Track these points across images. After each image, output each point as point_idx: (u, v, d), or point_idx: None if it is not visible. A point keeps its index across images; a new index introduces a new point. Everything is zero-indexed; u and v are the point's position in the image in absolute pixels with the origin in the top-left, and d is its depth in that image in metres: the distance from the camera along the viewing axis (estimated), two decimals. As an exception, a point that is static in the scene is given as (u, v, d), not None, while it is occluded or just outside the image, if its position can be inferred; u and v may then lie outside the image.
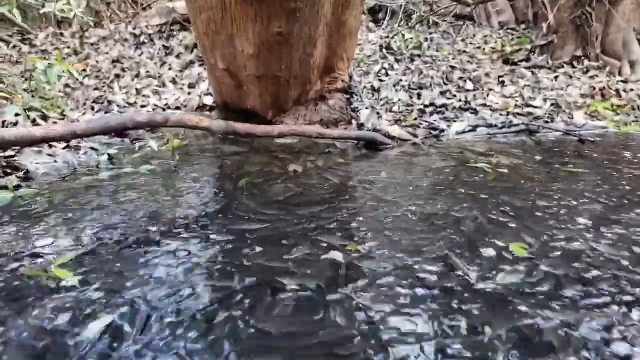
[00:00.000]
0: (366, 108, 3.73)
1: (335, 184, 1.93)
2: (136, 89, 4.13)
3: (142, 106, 3.77)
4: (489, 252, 1.27)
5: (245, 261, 1.23)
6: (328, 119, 3.14)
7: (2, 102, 3.19)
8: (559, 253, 1.27)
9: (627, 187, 1.80)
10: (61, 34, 5.88)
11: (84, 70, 4.66)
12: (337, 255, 1.27)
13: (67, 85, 4.14)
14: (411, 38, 5.51)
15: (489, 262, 1.22)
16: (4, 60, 4.69)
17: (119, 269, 1.19)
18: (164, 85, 4.45)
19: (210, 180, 1.98)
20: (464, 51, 5.36)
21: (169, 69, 4.88)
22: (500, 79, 4.17)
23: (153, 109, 3.73)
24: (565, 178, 1.93)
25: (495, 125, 3.05)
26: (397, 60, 5.11)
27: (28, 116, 2.93)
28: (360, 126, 3.17)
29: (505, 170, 2.04)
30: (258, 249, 1.30)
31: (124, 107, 3.66)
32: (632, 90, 3.69)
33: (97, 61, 5.01)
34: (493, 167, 2.08)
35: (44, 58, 4.56)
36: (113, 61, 5.01)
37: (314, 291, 1.09)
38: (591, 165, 2.16)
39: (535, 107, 3.52)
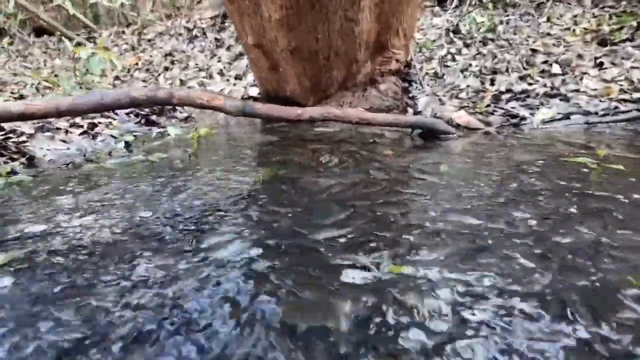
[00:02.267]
0: (426, 95, 3.21)
1: (377, 181, 1.48)
2: (180, 79, 3.99)
3: (184, 97, 3.60)
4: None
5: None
6: (379, 107, 2.68)
7: (46, 91, 3.16)
8: None
9: None
10: (123, 32, 6.04)
11: (137, 64, 4.66)
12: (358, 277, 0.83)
13: (117, 78, 4.11)
14: (483, 21, 4.83)
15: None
16: (65, 55, 4.85)
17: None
18: (211, 77, 4.28)
19: (222, 173, 1.64)
20: (549, 34, 4.57)
21: (218, 61, 4.72)
22: (598, 61, 3.39)
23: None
24: None
25: (595, 113, 2.37)
26: (466, 45, 4.48)
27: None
28: (416, 114, 2.66)
29: (620, 167, 1.44)
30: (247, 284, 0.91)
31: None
32: None
33: (151, 55, 5.01)
34: (600, 163, 1.49)
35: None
36: (165, 55, 4.98)
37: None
38: None
39: (649, 91, 2.75)
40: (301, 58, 2.19)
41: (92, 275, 0.87)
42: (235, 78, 4.20)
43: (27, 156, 1.77)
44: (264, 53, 2.30)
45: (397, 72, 2.74)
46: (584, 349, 0.63)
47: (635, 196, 1.21)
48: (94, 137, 2.14)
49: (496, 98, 2.88)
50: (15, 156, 1.84)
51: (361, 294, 0.79)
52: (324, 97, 2.59)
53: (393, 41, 2.58)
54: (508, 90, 3.10)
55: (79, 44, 5.47)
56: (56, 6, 6.76)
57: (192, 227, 1.11)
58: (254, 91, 3.88)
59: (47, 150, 1.92)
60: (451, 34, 4.63)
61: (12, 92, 3.17)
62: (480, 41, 4.44)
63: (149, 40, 5.55)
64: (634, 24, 4.13)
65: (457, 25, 4.69)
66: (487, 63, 3.85)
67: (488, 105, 2.67)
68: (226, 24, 5.49)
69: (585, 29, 4.60)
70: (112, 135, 2.19)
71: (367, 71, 2.67)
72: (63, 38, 5.51)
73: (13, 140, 1.93)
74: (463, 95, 3.11)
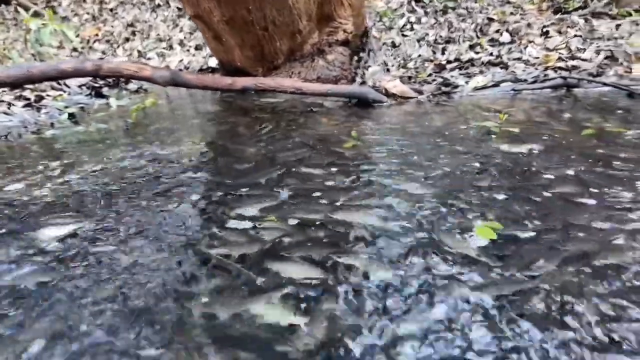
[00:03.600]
0: (378, 65, 3.29)
1: (297, 146, 1.59)
2: (138, 51, 3.97)
3: (141, 68, 3.60)
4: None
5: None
6: (327, 77, 2.76)
7: (-3, 64, 3.14)
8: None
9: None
10: (84, 0, 5.86)
11: (96, 35, 4.58)
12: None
13: (74, 50, 4.06)
14: (446, -11, 4.84)
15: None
16: (23, 26, 4.72)
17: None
18: (171, 47, 4.26)
19: (158, 144, 1.73)
20: (508, 2, 4.62)
21: (180, 31, 4.67)
22: (545, 30, 3.50)
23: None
24: (589, 141, 1.44)
25: (525, 81, 2.50)
26: (426, 14, 4.51)
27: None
28: (362, 84, 2.76)
29: (516, 130, 1.58)
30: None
31: (121, 69, 3.51)
32: None
33: (112, 26, 4.92)
34: (500, 127, 1.63)
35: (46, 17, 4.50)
36: (127, 25, 4.89)
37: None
38: (632, 121, 1.62)
39: (584, 59, 2.88)
40: (238, 29, 2.24)
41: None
42: (196, 48, 4.20)
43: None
44: (205, 24, 2.35)
45: (346, 43, 2.81)
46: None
47: (503, 148, 1.35)
48: (39, 109, 2.19)
49: (441, 67, 2.99)
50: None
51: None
52: (272, 67, 2.66)
53: (338, 12, 2.64)
54: (456, 59, 3.20)
55: (36, 14, 5.31)
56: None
57: (116, 189, 1.22)
58: (214, 62, 3.90)
59: (-11, 122, 1.97)
60: (413, 3, 4.65)
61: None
62: (440, 10, 4.49)
63: (111, 10, 5.41)
64: (587, -8, 4.21)
65: (419, -7, 4.69)
66: (443, 32, 3.92)
67: (429, 75, 2.78)
68: (189, -7, 5.38)
69: (543, -3, 4.66)
70: (57, 108, 2.24)
71: (315, 42, 2.73)
72: (18, 8, 5.34)
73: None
74: (411, 64, 3.20)
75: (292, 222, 0.99)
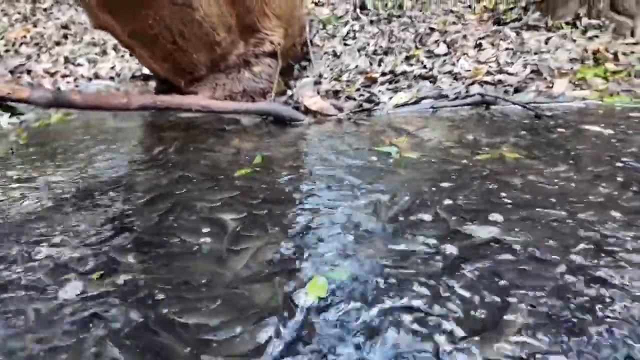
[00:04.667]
0: (312, 77, 3.23)
1: (196, 175, 1.50)
2: (66, 57, 3.74)
3: (64, 76, 3.40)
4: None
5: None
6: (253, 89, 2.68)
7: None
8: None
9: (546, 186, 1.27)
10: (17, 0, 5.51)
11: (24, 37, 4.30)
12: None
13: (-5, 54, 3.79)
14: (393, -4, 4.86)
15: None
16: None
17: None
18: (105, 53, 4.05)
19: (38, 169, 1.59)
20: (451, 11, 4.69)
21: (117, 34, 4.46)
22: (479, 42, 3.54)
23: (75, 80, 3.35)
24: (476, 166, 1.43)
25: (447, 97, 2.50)
26: (371, 22, 4.51)
27: None
28: (290, 97, 2.69)
29: (413, 156, 1.55)
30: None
31: (42, 77, 3.29)
32: (633, 53, 3.02)
33: (44, 27, 4.64)
34: (401, 152, 1.60)
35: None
36: (62, 27, 4.63)
37: None
38: (531, 146, 1.62)
39: (510, 74, 2.93)
40: (144, 42, 2.12)
41: None
42: (130, 55, 4.01)
43: None
44: (114, 35, 2.21)
45: (273, 54, 2.73)
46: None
47: (402, 175, 1.31)
48: None
49: (372, 80, 2.96)
50: None
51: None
52: (193, 79, 2.55)
53: (262, 23, 2.55)
54: (391, 72, 3.18)
55: (-40, 13, 4.95)
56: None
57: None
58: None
59: None
60: (358, 10, 4.63)
61: None
62: (385, 18, 4.49)
63: (45, 10, 5.12)
64: (524, 4, 4.32)
65: (364, 0, 4.69)
66: (384, 42, 3.92)
67: (357, 89, 2.74)
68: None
69: (484, 7, 4.75)
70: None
71: (240, 52, 2.64)
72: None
73: None
74: (344, 77, 3.16)
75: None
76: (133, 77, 3.58)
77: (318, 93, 2.56)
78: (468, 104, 2.33)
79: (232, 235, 1.07)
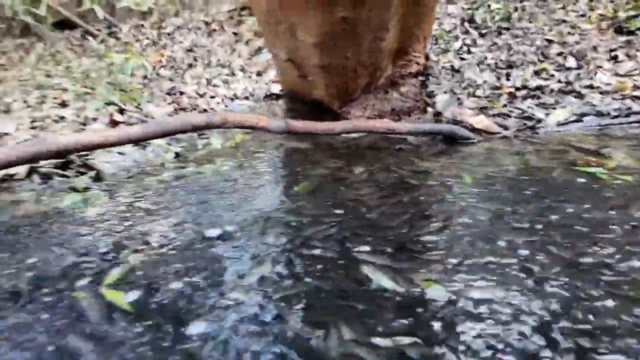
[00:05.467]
0: (444, 92, 3.34)
1: (407, 190, 1.68)
2: (206, 79, 4.16)
3: (212, 97, 3.78)
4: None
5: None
6: (400, 109, 2.84)
7: (86, 97, 3.38)
8: None
9: None
10: (142, 25, 6.17)
11: (160, 61, 4.83)
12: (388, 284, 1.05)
13: (145, 77, 4.29)
14: (499, 8, 4.86)
15: None
16: (94, 55, 5.02)
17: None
18: (233, 74, 4.44)
19: (270, 184, 1.85)
20: (564, 21, 4.60)
21: (239, 56, 4.86)
22: (612, 54, 3.47)
23: (222, 100, 3.72)
24: None
25: (608, 114, 2.50)
26: (481, 35, 4.55)
27: (107, 110, 3.07)
28: (437, 115, 2.82)
29: (629, 179, 1.61)
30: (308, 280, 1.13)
31: (195, 98, 3.70)
32: None
33: (172, 51, 5.16)
34: (609, 174, 1.67)
35: (120, 51, 4.78)
36: (187, 50, 5.13)
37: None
38: None
39: (662, 87, 2.85)
40: (330, 72, 2.36)
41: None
42: (257, 74, 4.36)
43: (95, 170, 2.00)
44: (295, 65, 2.48)
45: (417, 74, 2.88)
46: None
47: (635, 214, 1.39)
48: (144, 147, 2.36)
49: (512, 96, 3.02)
50: (82, 170, 2.07)
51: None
52: (348, 100, 2.76)
53: (414, 46, 2.72)
54: (523, 87, 3.22)
55: (102, 41, 5.64)
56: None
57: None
58: (277, 88, 4.05)
59: (107, 163, 2.15)
60: (466, 24, 4.69)
61: (54, 98, 3.39)
62: (495, 31, 4.51)
63: (169, 34, 5.69)
64: (650, 11, 4.15)
65: (472, 14, 4.74)
66: (503, 56, 3.94)
67: (504, 105, 2.81)
68: (243, 18, 5.59)
69: (600, 15, 4.61)
70: (159, 145, 2.40)
71: (389, 74, 2.82)
72: (88, 36, 5.69)
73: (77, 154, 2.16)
74: (480, 92, 3.24)
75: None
76: (265, 96, 3.90)
77: (480, 111, 2.67)
78: (637, 122, 2.32)
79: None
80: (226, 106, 3.58)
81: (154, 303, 1.06)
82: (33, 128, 2.77)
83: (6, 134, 2.52)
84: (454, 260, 1.15)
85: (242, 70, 4.47)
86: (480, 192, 1.62)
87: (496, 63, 3.82)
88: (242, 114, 2.04)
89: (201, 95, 3.78)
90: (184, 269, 1.19)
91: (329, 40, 2.12)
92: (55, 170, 2.02)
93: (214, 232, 1.35)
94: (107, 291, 1.10)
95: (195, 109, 3.39)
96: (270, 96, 3.95)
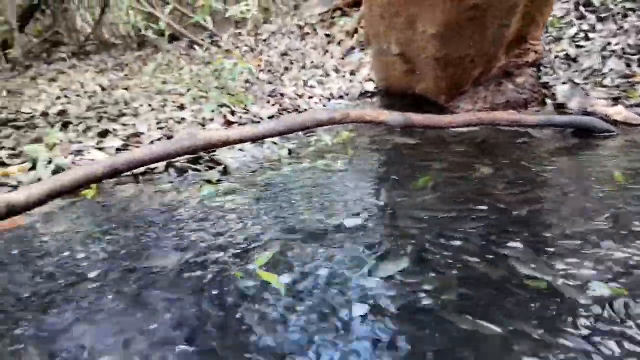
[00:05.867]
0: (563, 83, 3.05)
1: (550, 188, 1.54)
2: (303, 81, 4.29)
3: (310, 97, 3.89)
4: None
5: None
6: (516, 101, 2.65)
7: (201, 100, 3.69)
8: None
9: None
10: (240, 33, 6.60)
11: (259, 65, 5.10)
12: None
13: (247, 81, 4.56)
14: (621, -12, 4.31)
15: None
16: (199, 63, 5.49)
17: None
18: (327, 74, 4.53)
19: (385, 178, 1.83)
20: None
21: (332, 57, 4.95)
22: None
23: (320, 100, 3.81)
24: None
25: None
26: (600, 20, 4.08)
27: (221, 112, 3.32)
28: (559, 107, 2.58)
29: None
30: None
31: (295, 99, 3.83)
32: None
33: (269, 56, 5.43)
34: None
35: (226, 58, 5.11)
36: (282, 54, 5.35)
37: None
38: None
39: None
40: (446, 64, 2.28)
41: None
42: (350, 74, 4.40)
43: (223, 165, 2.16)
44: (405, 59, 2.44)
45: (534, 64, 2.66)
46: None
47: None
48: (261, 144, 2.50)
49: (651, 84, 2.64)
50: (210, 165, 2.25)
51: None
52: (457, 94, 2.65)
53: (533, 33, 2.52)
54: (663, 73, 2.81)
55: (206, 50, 6.13)
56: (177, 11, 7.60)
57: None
58: (370, 86, 4.04)
59: (231, 159, 2.31)
60: (581, 8, 4.24)
61: (173, 102, 3.75)
62: (619, 13, 4.00)
63: (265, 40, 6.00)
64: None
65: (589, -3, 4.26)
66: (631, 40, 3.49)
67: (644, 94, 2.48)
68: (335, 19, 5.69)
69: None
70: (274, 143, 2.52)
71: (502, 64, 2.64)
72: (194, 46, 6.22)
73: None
74: (607, 81, 2.89)
75: None
76: (360, 95, 3.90)
77: (614, 102, 2.39)
78: None
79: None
80: (324, 105, 3.66)
81: (307, 286, 1.10)
82: (160, 128, 3.09)
83: (142, 133, 2.84)
84: (620, 261, 1.03)
85: (336, 70, 4.55)
86: (638, 190, 1.44)
87: (623, 49, 3.39)
88: (361, 110, 2.05)
89: (300, 96, 3.91)
90: (328, 256, 1.22)
91: (453, 31, 2.04)
92: (189, 165, 2.22)
93: (351, 223, 1.37)
94: (262, 272, 1.17)
95: (297, 110, 3.51)
96: (364, 94, 3.96)
